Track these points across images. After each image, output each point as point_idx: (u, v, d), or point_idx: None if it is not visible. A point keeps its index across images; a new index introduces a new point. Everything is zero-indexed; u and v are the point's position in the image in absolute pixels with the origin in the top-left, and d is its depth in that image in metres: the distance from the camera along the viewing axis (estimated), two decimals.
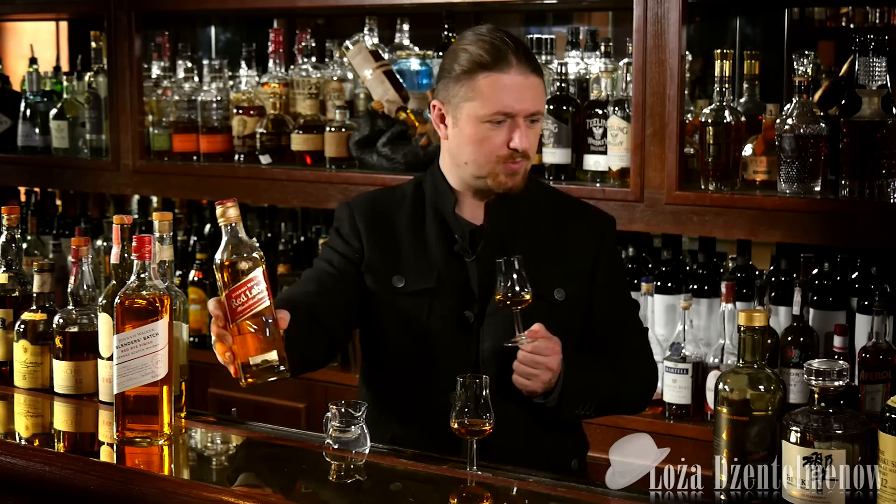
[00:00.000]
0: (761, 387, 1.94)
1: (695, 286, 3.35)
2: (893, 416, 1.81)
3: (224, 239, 2.13)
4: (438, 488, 2.09)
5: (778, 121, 3.03)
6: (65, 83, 4.46)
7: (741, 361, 1.96)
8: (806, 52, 2.97)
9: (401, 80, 3.71)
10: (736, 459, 1.93)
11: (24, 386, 2.61)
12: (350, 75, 3.98)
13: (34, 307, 2.62)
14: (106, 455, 2.26)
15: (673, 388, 3.23)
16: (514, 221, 2.47)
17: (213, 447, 2.35)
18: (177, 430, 2.32)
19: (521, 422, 2.40)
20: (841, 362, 1.90)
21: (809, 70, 2.99)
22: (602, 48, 3.61)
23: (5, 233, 2.74)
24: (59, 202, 4.86)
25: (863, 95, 2.89)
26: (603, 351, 2.49)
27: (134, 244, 2.22)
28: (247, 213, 4.35)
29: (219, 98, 4.03)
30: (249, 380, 2.11)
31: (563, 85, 3.42)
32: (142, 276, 2.21)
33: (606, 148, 3.31)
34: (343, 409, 2.12)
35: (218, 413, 2.97)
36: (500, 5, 4.04)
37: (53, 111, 4.39)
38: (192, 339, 3.84)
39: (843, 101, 3.13)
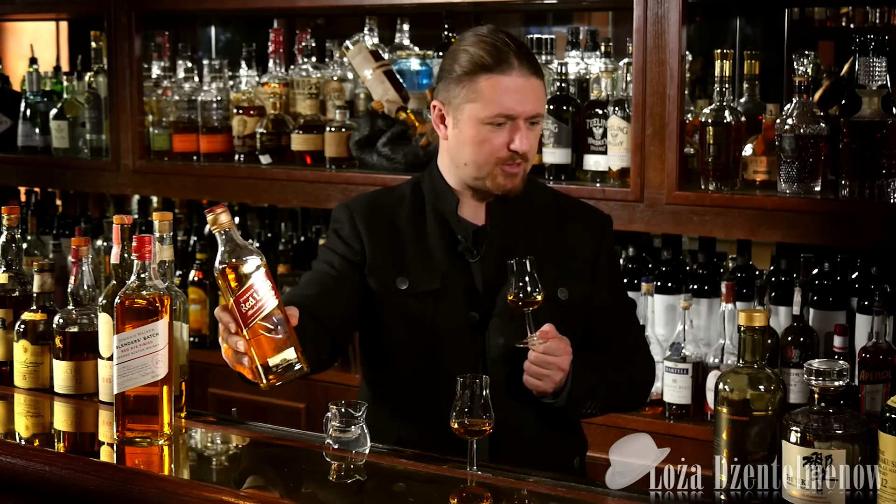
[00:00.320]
0: (761, 387, 1.94)
1: (695, 286, 3.35)
2: (893, 416, 1.81)
3: (220, 245, 2.10)
4: (439, 488, 2.09)
5: (778, 121, 3.03)
6: (65, 83, 4.46)
7: (741, 361, 1.96)
8: (806, 52, 2.97)
9: (401, 80, 3.71)
10: (736, 459, 1.93)
11: (24, 386, 2.61)
12: (350, 75, 3.98)
13: (34, 307, 2.62)
14: (106, 455, 2.26)
15: (673, 388, 3.23)
16: (515, 222, 2.47)
17: (213, 447, 2.35)
18: (177, 430, 2.32)
19: (530, 422, 2.41)
20: (841, 362, 1.90)
21: (809, 70, 2.99)
22: (602, 48, 3.61)
23: (5, 233, 2.74)
24: (59, 202, 4.86)
25: (863, 95, 2.89)
26: (604, 349, 2.49)
27: (134, 244, 2.22)
28: (247, 213, 4.36)
29: (219, 98, 4.03)
30: (271, 379, 2.10)
31: (563, 85, 3.42)
32: (142, 276, 2.21)
33: (606, 148, 3.31)
34: (343, 409, 2.11)
35: (218, 413, 2.97)
36: (500, 5, 4.03)
37: (53, 111, 4.39)
38: (192, 339, 3.84)
39: (843, 101, 3.13)
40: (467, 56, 2.38)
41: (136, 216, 4.41)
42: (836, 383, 1.87)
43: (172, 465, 2.22)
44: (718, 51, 3.10)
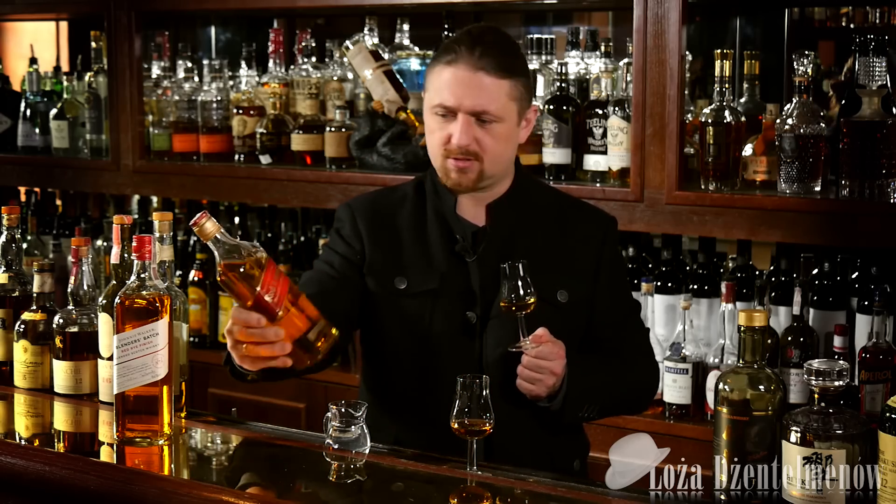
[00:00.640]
0: (761, 387, 1.94)
1: (695, 286, 3.35)
2: (893, 416, 1.81)
3: (218, 251, 2.07)
4: (439, 488, 2.09)
5: (778, 121, 3.03)
6: (65, 83, 4.46)
7: (741, 361, 1.96)
8: (806, 52, 2.97)
9: (401, 80, 3.71)
10: (736, 459, 1.93)
11: (24, 386, 2.61)
12: (350, 75, 3.98)
13: (34, 307, 2.62)
14: (106, 455, 2.26)
15: (673, 388, 3.23)
16: (516, 223, 2.47)
17: (213, 447, 2.35)
18: (177, 430, 2.32)
19: (526, 424, 2.40)
20: (841, 362, 1.90)
21: (809, 70, 2.99)
22: (602, 48, 3.61)
23: (5, 233, 2.73)
24: (59, 202, 4.86)
25: (863, 95, 2.89)
26: (605, 352, 2.48)
27: (134, 244, 2.22)
28: (247, 213, 4.36)
29: (219, 98, 4.03)
30: (319, 346, 2.12)
31: (563, 85, 3.42)
32: (142, 276, 2.21)
33: (606, 148, 3.31)
34: (343, 409, 2.11)
35: (218, 413, 2.97)
36: (500, 5, 4.03)
37: (53, 111, 4.39)
38: (192, 339, 3.84)
39: (843, 101, 3.13)
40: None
41: (136, 216, 4.41)
42: (836, 383, 1.87)
43: (172, 465, 2.22)
44: (718, 51, 3.10)
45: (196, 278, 4.03)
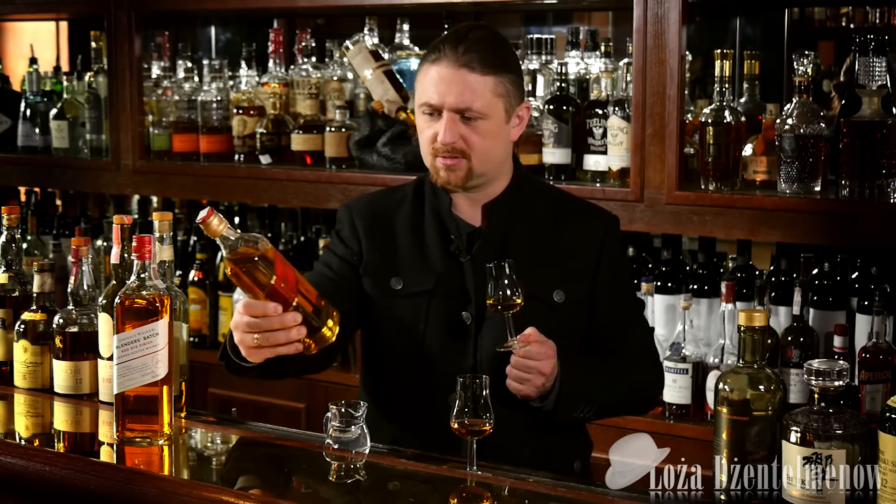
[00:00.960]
0: (761, 387, 1.94)
1: (695, 286, 3.35)
2: (893, 416, 1.81)
3: (226, 247, 2.07)
4: (438, 488, 2.09)
5: (778, 121, 3.03)
6: (65, 83, 4.46)
7: (741, 361, 1.96)
8: (806, 52, 2.97)
9: (401, 80, 3.71)
10: (736, 459, 1.93)
11: (24, 386, 2.61)
12: (350, 75, 3.98)
13: (34, 307, 2.62)
14: (106, 455, 2.26)
15: (673, 388, 3.23)
16: (512, 223, 2.46)
17: (213, 447, 2.35)
18: (177, 430, 2.32)
19: (520, 424, 2.39)
20: (841, 362, 1.90)
21: (809, 70, 2.99)
22: (602, 48, 3.61)
23: (5, 233, 2.74)
24: (59, 202, 4.86)
25: (863, 95, 2.89)
26: (606, 352, 2.47)
27: (134, 244, 2.22)
28: (247, 213, 4.35)
29: (219, 98, 4.03)
30: (326, 340, 2.13)
31: (563, 85, 3.42)
32: (142, 276, 2.21)
33: (606, 148, 3.31)
34: (343, 409, 2.12)
35: (218, 413, 2.97)
36: (500, 5, 4.03)
37: (53, 111, 4.39)
38: (192, 339, 3.84)
39: (844, 101, 3.13)
40: None
41: (136, 216, 4.41)
42: (836, 383, 1.87)
43: (172, 465, 2.22)
44: (718, 51, 3.10)
45: (196, 278, 4.03)
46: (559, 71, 3.43)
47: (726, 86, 3.11)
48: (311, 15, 4.60)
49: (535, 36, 3.64)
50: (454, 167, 2.38)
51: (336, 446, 2.12)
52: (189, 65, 4.19)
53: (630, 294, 2.59)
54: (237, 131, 3.94)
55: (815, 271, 3.20)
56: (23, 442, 2.33)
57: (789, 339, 3.12)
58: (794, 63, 2.98)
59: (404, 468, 2.16)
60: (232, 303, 3.94)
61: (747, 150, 3.16)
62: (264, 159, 3.89)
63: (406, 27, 3.96)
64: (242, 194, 3.98)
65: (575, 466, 2.48)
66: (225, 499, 1.99)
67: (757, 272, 3.38)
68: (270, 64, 3.96)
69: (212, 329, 4.02)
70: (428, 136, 2.40)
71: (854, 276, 3.22)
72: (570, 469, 2.47)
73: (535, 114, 3.45)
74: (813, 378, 1.88)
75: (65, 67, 4.80)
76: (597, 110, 3.35)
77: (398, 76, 3.73)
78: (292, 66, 4.00)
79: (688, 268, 3.45)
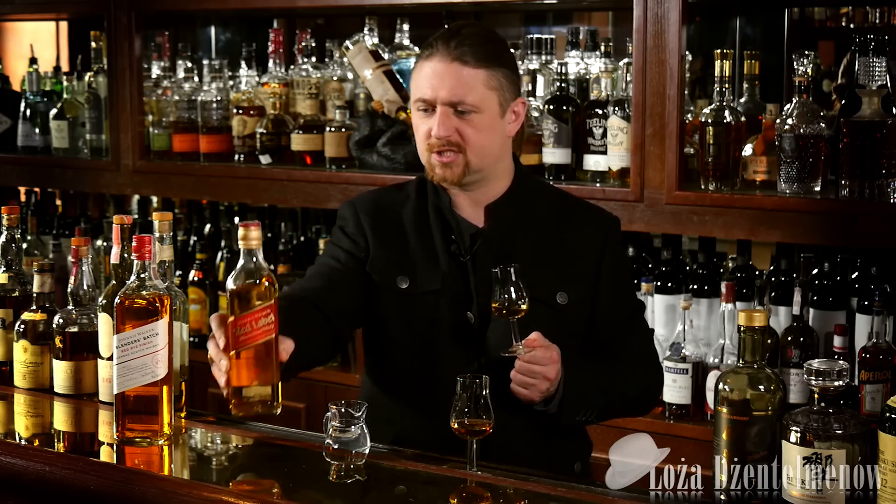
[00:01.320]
0: (761, 387, 1.94)
1: (695, 286, 3.35)
2: (893, 416, 1.81)
3: (241, 262, 2.10)
4: (439, 488, 2.09)
5: (778, 121, 3.03)
6: (65, 83, 4.46)
7: (741, 361, 1.96)
8: (806, 52, 2.97)
9: (401, 80, 3.71)
10: (736, 459, 1.93)
11: (24, 386, 2.61)
12: (350, 75, 3.98)
13: (34, 307, 2.62)
14: (106, 455, 2.26)
15: (673, 388, 3.23)
16: (515, 224, 2.46)
17: (213, 447, 2.35)
18: (177, 430, 2.31)
19: (523, 427, 2.39)
20: (841, 362, 1.90)
21: (809, 70, 2.99)
22: (602, 48, 3.61)
23: (5, 233, 2.73)
24: (59, 202, 4.86)
25: (863, 95, 2.89)
26: (606, 353, 2.47)
27: (134, 244, 2.22)
28: (247, 214, 4.36)
29: (219, 98, 4.03)
30: (239, 408, 2.12)
31: (563, 85, 3.42)
32: (142, 276, 2.21)
33: (606, 148, 3.31)
34: (343, 409, 2.11)
35: (218, 413, 2.96)
36: (500, 5, 4.03)
37: (53, 111, 4.39)
38: (192, 339, 3.83)
39: (844, 101, 3.13)
40: None
41: (136, 216, 4.42)
42: (836, 383, 1.87)
43: (172, 465, 2.22)
44: (718, 51, 3.10)
45: (196, 278, 4.03)
46: (559, 71, 3.43)
47: (726, 86, 3.11)
48: (311, 15, 4.60)
49: (535, 36, 3.64)
50: (451, 163, 2.38)
51: (336, 446, 2.12)
52: (189, 65, 4.19)
53: (631, 295, 2.58)
54: (237, 131, 3.94)
55: (815, 271, 3.20)
56: (23, 442, 2.33)
57: (789, 339, 3.12)
58: (794, 63, 2.98)
59: (404, 468, 2.16)
60: None
61: (747, 150, 3.16)
62: (264, 159, 3.89)
63: (406, 27, 3.96)
64: (242, 194, 3.98)
65: (575, 468, 2.48)
66: (225, 499, 1.99)
67: (757, 272, 3.38)
68: (270, 64, 3.96)
69: (211, 329, 4.02)
70: (423, 133, 2.40)
71: (854, 276, 3.22)
72: (571, 470, 2.46)
73: (535, 114, 3.45)
74: (813, 378, 1.88)
75: (65, 67, 4.80)
76: (597, 110, 3.35)
77: (398, 76, 3.73)
78: (292, 66, 4.00)
79: (688, 268, 3.45)
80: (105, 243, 3.87)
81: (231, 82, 4.16)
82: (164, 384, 2.21)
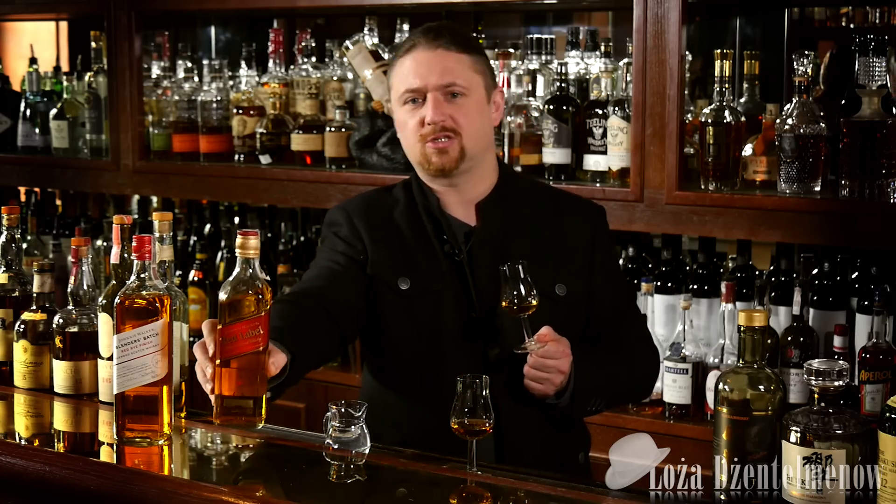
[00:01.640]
0: (761, 387, 1.94)
1: (695, 286, 3.35)
2: (893, 416, 1.81)
3: (236, 271, 2.09)
4: (439, 488, 2.09)
5: (778, 121, 3.03)
6: (65, 83, 4.46)
7: (741, 361, 1.96)
8: (806, 52, 2.97)
9: None
10: (736, 459, 1.93)
11: (24, 386, 2.61)
12: (350, 75, 3.98)
13: (34, 307, 2.62)
14: (106, 455, 2.26)
15: (673, 388, 3.23)
16: (507, 220, 2.47)
17: (213, 447, 2.35)
18: (177, 430, 2.32)
19: (533, 422, 2.41)
20: (841, 362, 1.90)
21: (809, 70, 2.99)
22: (602, 48, 3.61)
23: (5, 233, 2.73)
24: (59, 202, 4.86)
25: (863, 95, 2.89)
26: (606, 341, 2.49)
27: (134, 244, 2.22)
28: (247, 213, 4.36)
29: (219, 98, 4.03)
30: (220, 417, 2.12)
31: (563, 85, 3.42)
32: (142, 276, 2.21)
33: (606, 148, 3.31)
34: (343, 409, 2.11)
35: None
36: (500, 5, 4.03)
37: (53, 111, 4.39)
38: (191, 339, 3.82)
39: (843, 101, 3.13)
40: None
41: (136, 216, 4.41)
42: (836, 383, 1.87)
43: (172, 465, 2.22)
44: (718, 51, 3.10)
45: (196, 278, 4.03)
46: (559, 71, 3.43)
47: (726, 86, 3.11)
48: (311, 15, 4.59)
49: (535, 36, 3.64)
50: (446, 149, 2.39)
51: (336, 446, 2.12)
52: (189, 65, 4.19)
53: (623, 282, 2.64)
54: (237, 131, 3.94)
55: (815, 271, 3.20)
56: (23, 442, 2.33)
57: (789, 339, 3.12)
58: (794, 63, 2.98)
59: (404, 468, 2.16)
60: None
61: (747, 150, 3.16)
62: (264, 159, 3.89)
63: (406, 27, 3.96)
64: (242, 194, 3.98)
65: (580, 458, 2.51)
66: (225, 499, 1.99)
67: (757, 272, 3.38)
68: (270, 64, 3.96)
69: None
70: (414, 124, 2.40)
71: (854, 276, 3.22)
72: (576, 461, 2.49)
73: (535, 114, 3.45)
74: (813, 378, 1.88)
75: (65, 67, 4.80)
76: (597, 110, 3.35)
77: None
78: (292, 66, 4.00)
79: (688, 268, 3.45)
80: (105, 243, 3.87)
81: (231, 82, 4.16)
82: (163, 384, 2.21)
